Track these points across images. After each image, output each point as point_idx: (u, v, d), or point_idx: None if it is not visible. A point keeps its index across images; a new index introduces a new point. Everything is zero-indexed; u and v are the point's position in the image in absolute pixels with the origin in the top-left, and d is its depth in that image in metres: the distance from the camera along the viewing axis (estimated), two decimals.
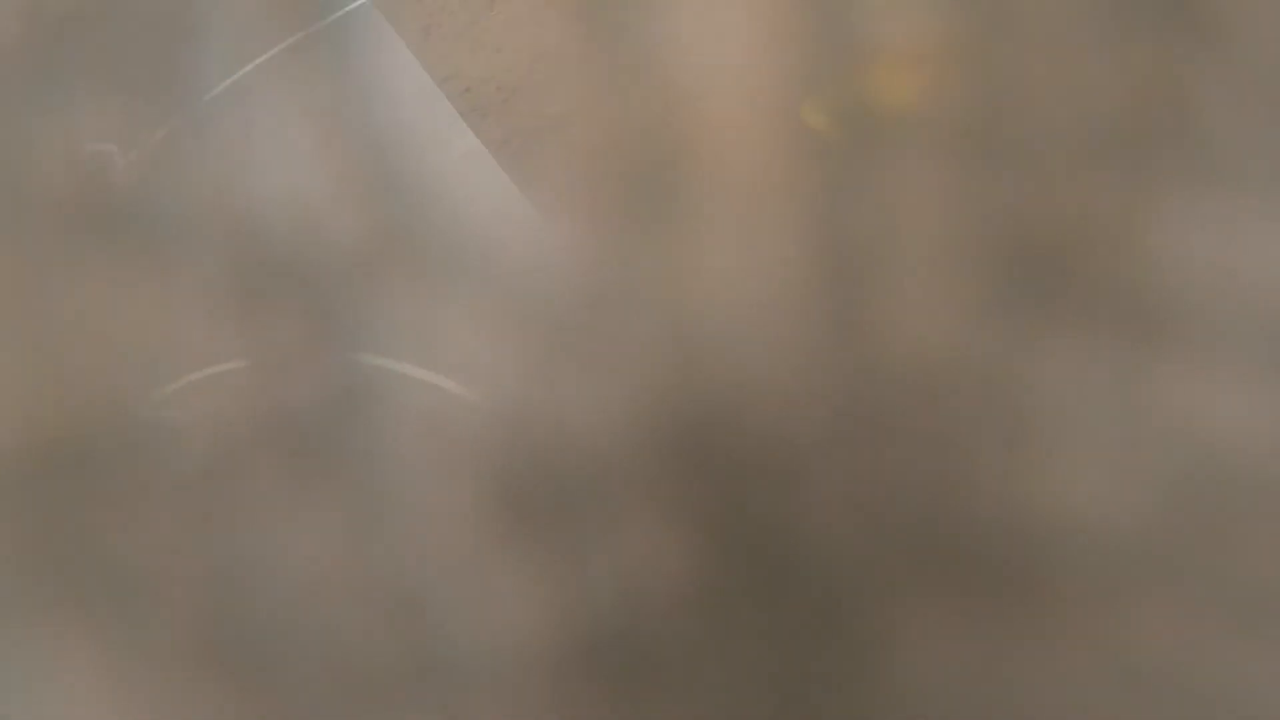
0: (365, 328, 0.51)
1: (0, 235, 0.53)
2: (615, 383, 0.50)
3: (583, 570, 0.50)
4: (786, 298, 0.50)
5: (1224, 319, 0.49)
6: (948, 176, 0.50)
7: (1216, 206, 0.49)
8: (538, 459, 0.50)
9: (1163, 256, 0.49)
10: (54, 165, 0.53)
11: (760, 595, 0.49)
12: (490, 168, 0.52)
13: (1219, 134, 0.50)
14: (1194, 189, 0.49)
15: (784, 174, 0.51)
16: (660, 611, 0.50)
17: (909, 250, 0.50)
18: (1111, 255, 0.49)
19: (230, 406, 0.51)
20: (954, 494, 0.49)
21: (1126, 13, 0.50)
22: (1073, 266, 0.49)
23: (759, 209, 0.51)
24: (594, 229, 0.51)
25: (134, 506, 0.52)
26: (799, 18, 0.51)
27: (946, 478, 0.49)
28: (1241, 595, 0.48)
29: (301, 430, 0.51)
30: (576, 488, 0.50)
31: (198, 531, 0.51)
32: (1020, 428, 0.49)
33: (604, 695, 0.50)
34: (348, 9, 0.53)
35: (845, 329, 0.50)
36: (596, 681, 0.50)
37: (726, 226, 0.51)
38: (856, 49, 0.51)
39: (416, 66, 0.52)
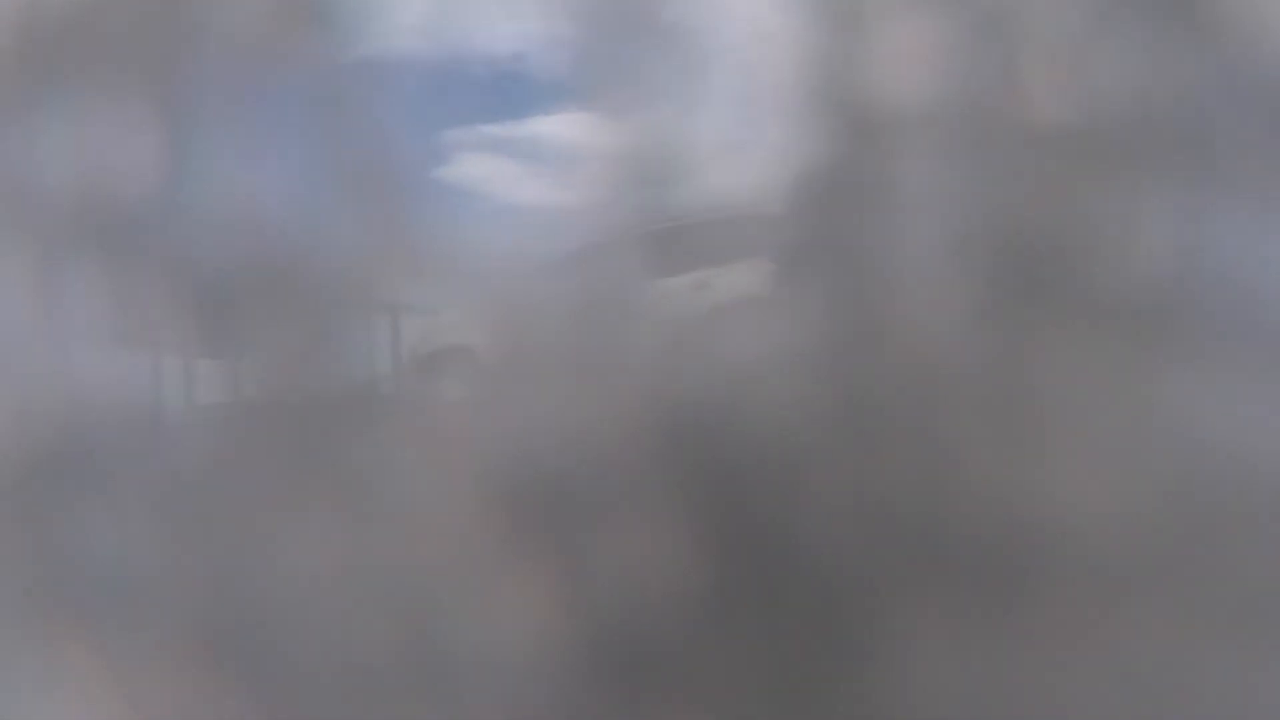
0: (366, 329, 0.51)
1: (1, 235, 0.53)
2: (616, 386, 0.50)
3: (584, 571, 0.50)
4: (786, 300, 0.50)
5: (1224, 319, 0.49)
6: (948, 176, 0.50)
7: (1216, 207, 0.49)
8: (539, 461, 0.50)
9: (1163, 256, 0.49)
10: (55, 166, 0.53)
11: (761, 596, 0.49)
12: (494, 170, 0.52)
13: (1219, 134, 0.50)
14: (1194, 189, 0.49)
15: (785, 176, 0.51)
16: (661, 612, 0.50)
17: (909, 251, 0.50)
18: (1111, 255, 0.49)
19: (231, 406, 0.51)
20: (954, 494, 0.49)
21: (1126, 13, 0.50)
22: (1073, 266, 0.49)
23: (760, 212, 0.51)
24: (596, 232, 0.51)
25: (134, 506, 0.52)
26: (800, 23, 0.51)
27: (946, 478, 0.49)
28: (1240, 595, 0.48)
29: (302, 431, 0.51)
30: (578, 489, 0.50)
31: (198, 531, 0.51)
32: (1020, 428, 0.49)
33: (605, 695, 0.50)
34: (348, 10, 0.53)
35: (845, 330, 0.50)
36: (597, 681, 0.50)
37: (728, 230, 0.51)
38: (857, 52, 0.51)
39: (418, 66, 0.52)
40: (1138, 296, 0.49)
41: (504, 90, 0.52)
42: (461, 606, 0.50)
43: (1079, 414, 0.49)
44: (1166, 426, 0.49)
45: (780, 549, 0.49)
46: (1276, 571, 0.48)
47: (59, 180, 0.53)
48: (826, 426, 0.50)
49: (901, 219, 0.50)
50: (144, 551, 0.52)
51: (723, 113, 0.51)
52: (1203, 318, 0.49)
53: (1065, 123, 0.50)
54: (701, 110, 0.51)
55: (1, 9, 0.54)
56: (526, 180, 0.52)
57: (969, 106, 0.50)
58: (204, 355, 0.52)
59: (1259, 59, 0.50)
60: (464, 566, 0.50)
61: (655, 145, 0.51)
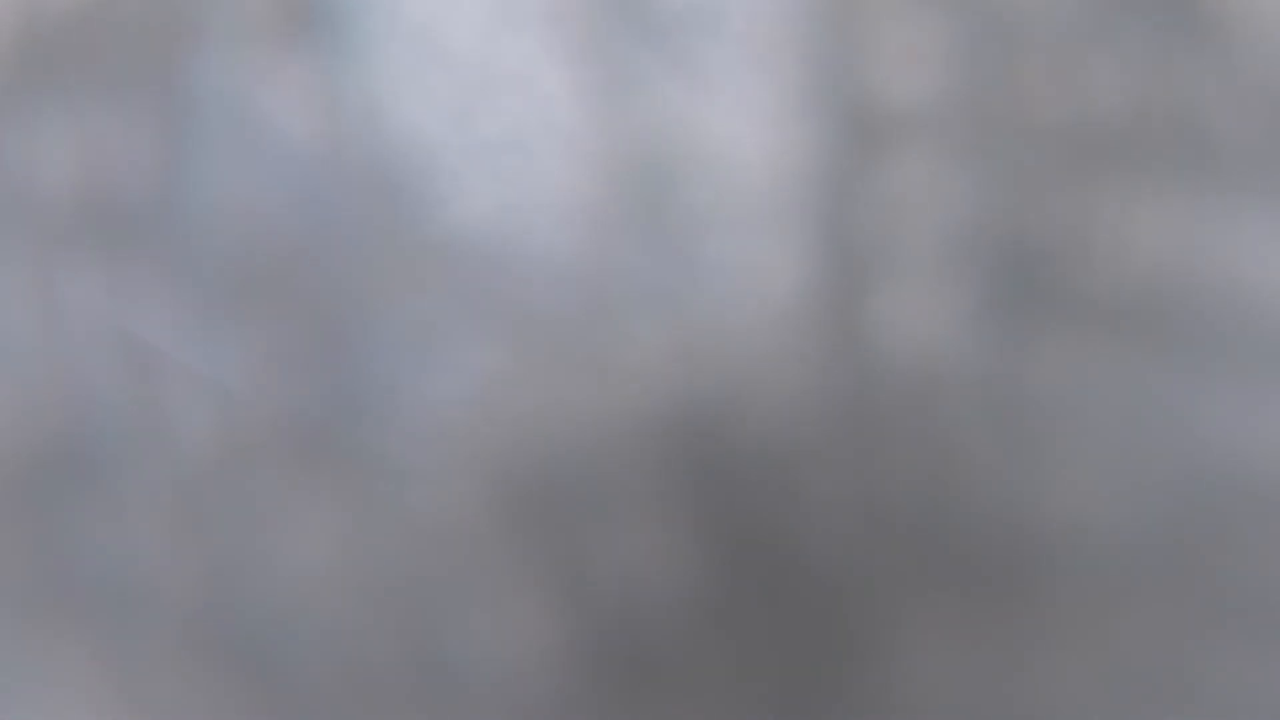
0: (366, 329, 0.51)
1: (1, 235, 0.53)
2: (617, 385, 0.50)
3: (584, 571, 0.50)
4: (788, 302, 0.50)
5: (1224, 319, 0.49)
6: (948, 176, 0.50)
7: (1216, 206, 0.49)
8: (540, 461, 0.50)
9: (1163, 256, 0.49)
10: (54, 165, 0.53)
11: (762, 597, 0.49)
12: (494, 169, 0.52)
13: (1219, 134, 0.50)
14: (1194, 189, 0.49)
15: (785, 177, 0.51)
16: (662, 613, 0.50)
17: (909, 252, 0.50)
18: (1111, 255, 0.49)
19: (230, 406, 0.52)
20: (954, 496, 0.49)
21: (1126, 13, 0.50)
22: (1072, 267, 0.49)
23: (760, 212, 0.51)
24: (596, 232, 0.51)
25: (134, 506, 0.52)
26: (800, 28, 0.51)
27: (947, 480, 0.49)
28: (1241, 595, 0.48)
29: (302, 431, 0.51)
30: (578, 489, 0.50)
31: (198, 531, 0.51)
32: (1020, 430, 0.49)
33: (605, 696, 0.50)
34: (349, 9, 0.53)
35: (846, 332, 0.50)
36: (597, 682, 0.50)
37: (729, 230, 0.51)
38: (857, 51, 0.51)
39: (418, 67, 0.52)
40: (1138, 297, 0.49)
41: (503, 88, 0.52)
42: (463, 606, 0.50)
43: (1080, 414, 0.49)
44: (1168, 427, 0.49)
45: (782, 549, 0.49)
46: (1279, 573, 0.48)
47: (59, 180, 0.53)
48: (828, 426, 0.50)
49: (901, 218, 0.50)
50: (145, 551, 0.52)
51: (722, 111, 0.51)
52: (1203, 318, 0.49)
53: (1065, 122, 0.50)
54: (702, 109, 0.51)
55: (1, 9, 0.54)
56: (527, 180, 0.52)
57: (968, 106, 0.50)
58: (204, 355, 0.52)
59: (1259, 59, 0.50)
60: (465, 566, 0.51)
61: (657, 143, 0.51)
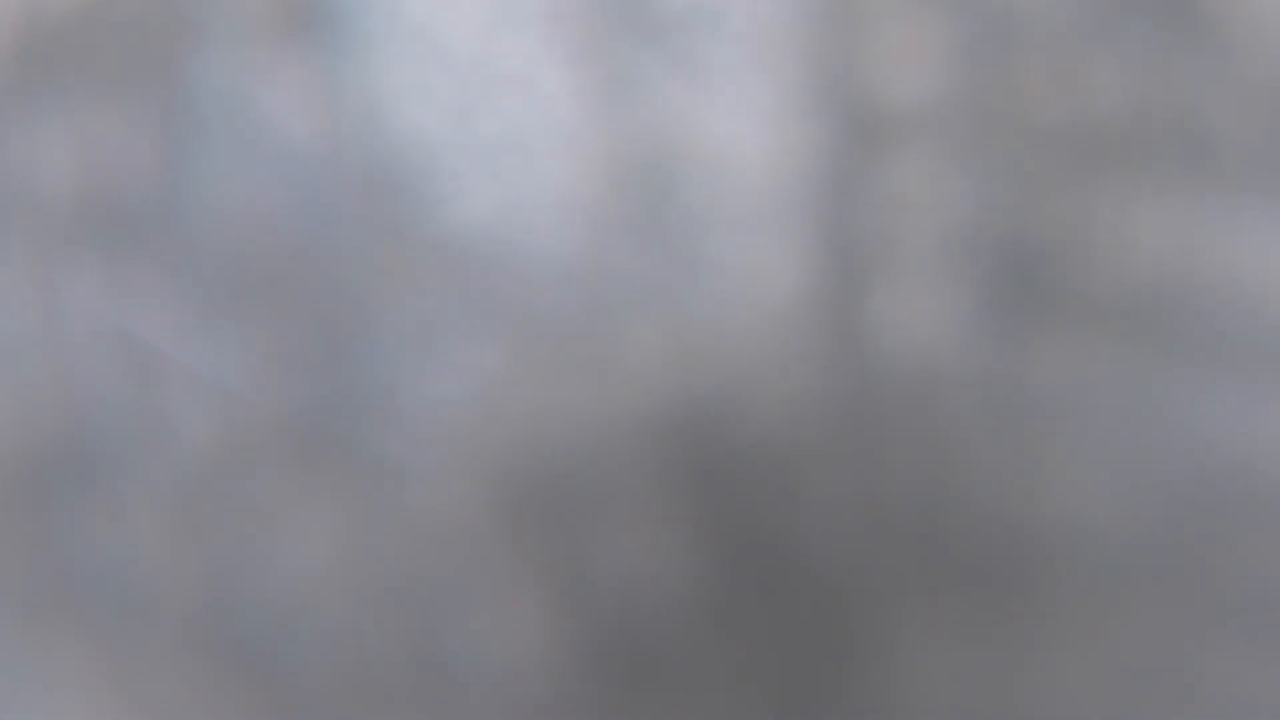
0: (366, 329, 0.51)
1: (1, 235, 0.53)
2: (617, 385, 0.50)
3: (584, 571, 0.50)
4: (787, 300, 0.50)
5: (1224, 319, 0.49)
6: (948, 176, 0.50)
7: (1216, 207, 0.49)
8: (540, 461, 0.50)
9: (1163, 256, 0.49)
10: (54, 165, 0.53)
11: (761, 597, 0.49)
12: (494, 169, 0.52)
13: (1219, 134, 0.50)
14: (1194, 189, 0.49)
15: (785, 177, 0.51)
16: (661, 613, 0.50)
17: (909, 252, 0.50)
18: (1111, 255, 0.49)
19: (230, 406, 0.51)
20: (954, 496, 0.49)
21: (1126, 13, 0.50)
22: (1072, 267, 0.49)
23: (760, 212, 0.51)
24: (596, 232, 0.51)
25: (134, 506, 0.52)
26: (800, 28, 0.51)
27: (947, 480, 0.49)
28: (1241, 595, 0.48)
29: (302, 431, 0.51)
30: (578, 489, 0.50)
31: (198, 531, 0.51)
32: (1020, 430, 0.49)
33: (604, 696, 0.50)
34: (349, 9, 0.53)
35: (846, 331, 0.50)
36: (596, 682, 0.50)
37: (729, 230, 0.51)
38: (857, 50, 0.51)
39: (418, 67, 0.52)
40: (1138, 297, 0.49)
41: (503, 88, 0.52)
42: (463, 606, 0.50)
43: (1080, 414, 0.49)
44: (1168, 427, 0.49)
45: (782, 549, 0.49)
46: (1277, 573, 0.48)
47: (59, 180, 0.53)
48: (828, 426, 0.50)
49: (901, 218, 0.50)
50: (145, 551, 0.52)
51: (722, 111, 0.51)
52: (1203, 318, 0.49)
53: (1065, 122, 0.50)
54: (702, 109, 0.51)
55: (1, 9, 0.54)
56: (527, 180, 0.52)
57: (968, 106, 0.50)
58: (204, 355, 0.52)
59: (1259, 59, 0.50)
60: (465, 566, 0.50)
61: (657, 143, 0.51)
